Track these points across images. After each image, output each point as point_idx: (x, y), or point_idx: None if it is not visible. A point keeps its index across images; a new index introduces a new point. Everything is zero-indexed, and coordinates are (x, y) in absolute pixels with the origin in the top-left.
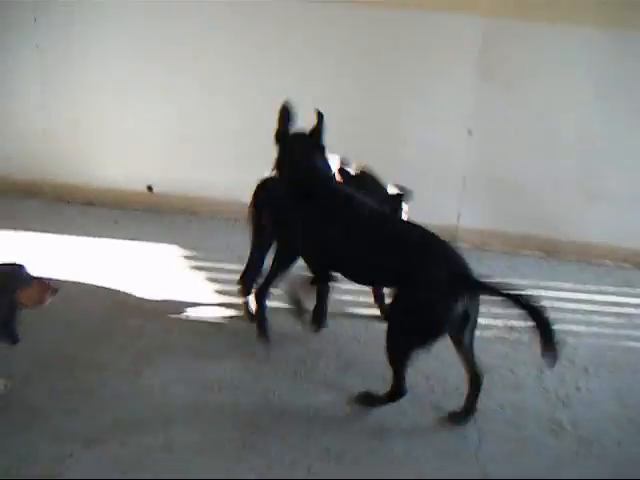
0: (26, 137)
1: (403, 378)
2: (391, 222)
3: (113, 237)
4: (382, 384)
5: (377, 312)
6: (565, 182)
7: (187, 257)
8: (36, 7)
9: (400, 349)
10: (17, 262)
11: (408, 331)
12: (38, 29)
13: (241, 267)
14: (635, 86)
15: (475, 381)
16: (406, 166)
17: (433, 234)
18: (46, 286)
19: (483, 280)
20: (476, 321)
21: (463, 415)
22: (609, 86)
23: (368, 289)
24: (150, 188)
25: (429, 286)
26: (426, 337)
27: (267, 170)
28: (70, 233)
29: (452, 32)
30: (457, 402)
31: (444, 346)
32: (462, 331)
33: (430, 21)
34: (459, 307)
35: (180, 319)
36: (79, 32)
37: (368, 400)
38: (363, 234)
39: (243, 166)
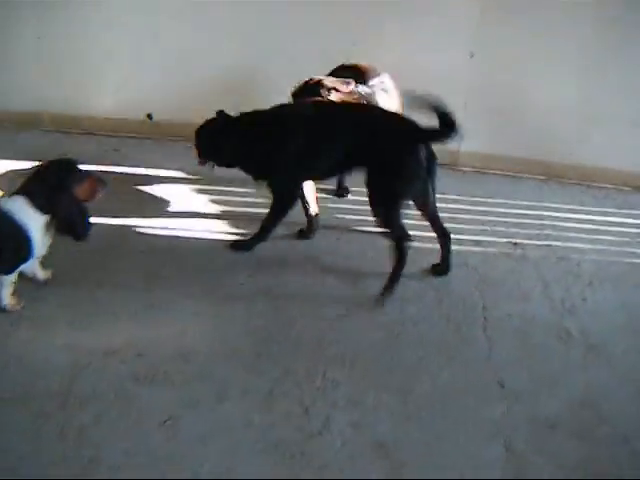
0: (24, 68)
1: (402, 227)
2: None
3: (116, 165)
4: (392, 299)
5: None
6: (565, 107)
7: (192, 181)
8: None
9: (388, 207)
10: (69, 157)
11: (390, 190)
12: None
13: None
14: (635, 13)
15: (445, 241)
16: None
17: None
18: (98, 180)
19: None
20: (435, 174)
21: (443, 269)
22: (609, 11)
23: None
24: (150, 116)
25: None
26: (406, 186)
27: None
28: None
29: None
30: (465, 313)
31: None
32: (427, 189)
33: None
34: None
35: (190, 239)
36: None
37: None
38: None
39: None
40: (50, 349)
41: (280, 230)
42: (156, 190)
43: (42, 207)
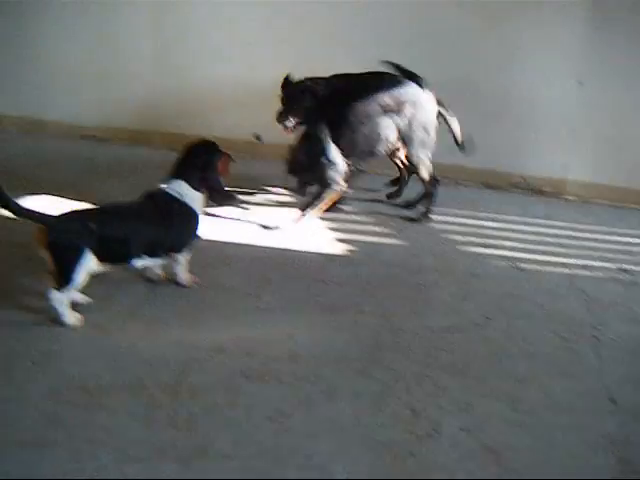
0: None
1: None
2: None
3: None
4: (501, 315)
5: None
6: None
7: None
8: None
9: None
10: (207, 139)
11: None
12: None
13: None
14: None
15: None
16: (515, 119)
17: None
18: (229, 157)
19: None
20: None
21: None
22: None
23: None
24: (258, 138)
25: None
26: None
27: None
28: None
29: None
30: (574, 331)
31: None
32: None
33: None
34: None
35: (301, 251)
36: None
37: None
38: None
39: None
40: (161, 344)
41: (387, 247)
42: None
43: (197, 186)
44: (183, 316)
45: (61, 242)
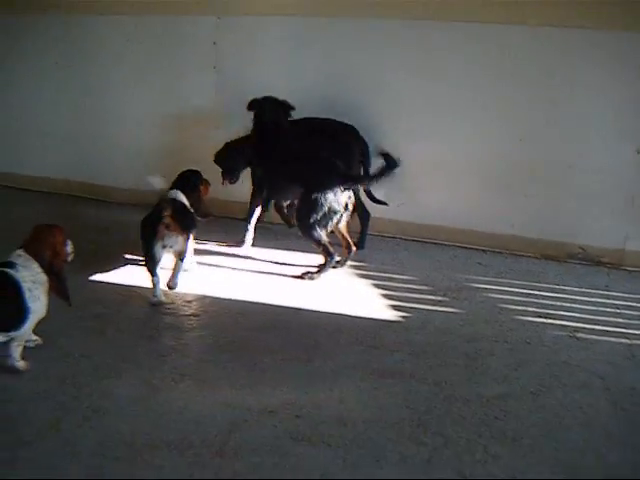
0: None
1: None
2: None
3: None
4: (556, 384)
5: None
6: None
7: (355, 267)
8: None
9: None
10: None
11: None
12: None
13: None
14: None
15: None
16: (573, 189)
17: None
18: (208, 184)
19: None
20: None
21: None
22: None
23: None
24: None
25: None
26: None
27: None
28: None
29: (613, 50)
30: (634, 402)
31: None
32: None
33: (592, 39)
34: None
35: (352, 317)
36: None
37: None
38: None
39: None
40: (210, 404)
41: (441, 314)
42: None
43: (188, 195)
44: (233, 378)
45: None
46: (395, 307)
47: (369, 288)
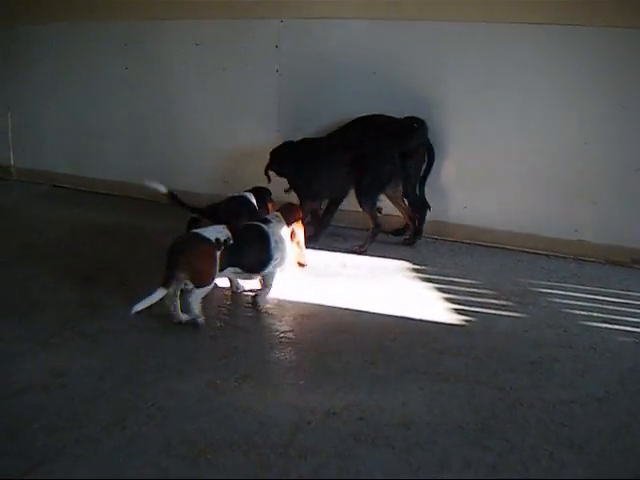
0: None
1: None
2: None
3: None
4: (623, 390)
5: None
6: None
7: (417, 270)
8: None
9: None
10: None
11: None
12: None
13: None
14: None
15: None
16: (636, 190)
17: None
18: (274, 204)
19: None
20: None
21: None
22: None
23: None
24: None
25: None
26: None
27: None
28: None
29: None
30: None
31: None
32: None
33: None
34: None
35: (416, 320)
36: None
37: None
38: None
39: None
40: (273, 405)
41: (505, 319)
42: (384, 275)
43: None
44: (297, 380)
45: None
46: (458, 311)
47: (431, 292)
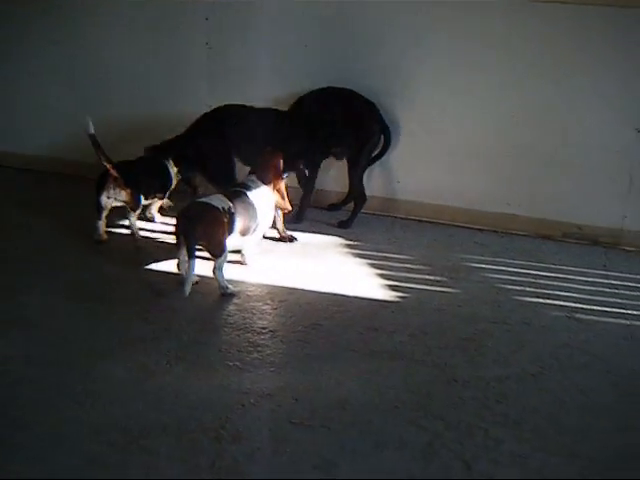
0: None
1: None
2: None
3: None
4: (556, 365)
5: None
6: None
7: (351, 246)
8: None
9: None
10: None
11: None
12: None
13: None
14: None
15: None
16: (570, 167)
17: None
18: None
19: None
20: None
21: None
22: None
23: None
24: None
25: None
26: None
27: None
28: None
29: (618, 26)
30: (636, 384)
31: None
32: None
33: (600, 16)
34: None
35: (350, 297)
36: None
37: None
38: None
39: None
40: (206, 388)
41: (439, 295)
42: (318, 252)
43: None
44: (230, 360)
45: None
46: (392, 287)
47: (365, 268)
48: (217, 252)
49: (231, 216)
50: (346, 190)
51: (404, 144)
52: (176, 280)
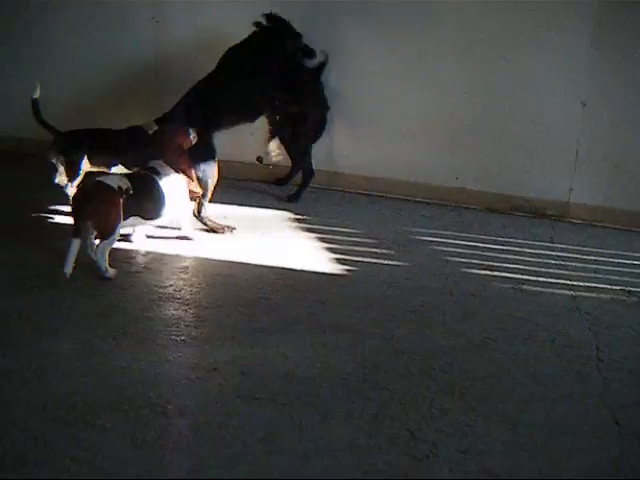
0: None
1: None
2: None
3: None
4: (502, 336)
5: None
6: None
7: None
8: None
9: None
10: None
11: None
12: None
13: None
14: None
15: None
16: (517, 141)
17: None
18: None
19: None
20: None
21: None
22: None
23: None
24: (260, 159)
25: None
26: None
27: None
28: None
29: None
30: (578, 353)
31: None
32: None
33: None
34: None
35: (299, 271)
36: None
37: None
38: None
39: None
40: (153, 363)
41: (386, 267)
42: (266, 226)
43: None
44: (178, 336)
45: None
46: (340, 261)
47: (313, 242)
48: (105, 233)
49: (129, 197)
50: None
51: (352, 117)
52: (124, 256)
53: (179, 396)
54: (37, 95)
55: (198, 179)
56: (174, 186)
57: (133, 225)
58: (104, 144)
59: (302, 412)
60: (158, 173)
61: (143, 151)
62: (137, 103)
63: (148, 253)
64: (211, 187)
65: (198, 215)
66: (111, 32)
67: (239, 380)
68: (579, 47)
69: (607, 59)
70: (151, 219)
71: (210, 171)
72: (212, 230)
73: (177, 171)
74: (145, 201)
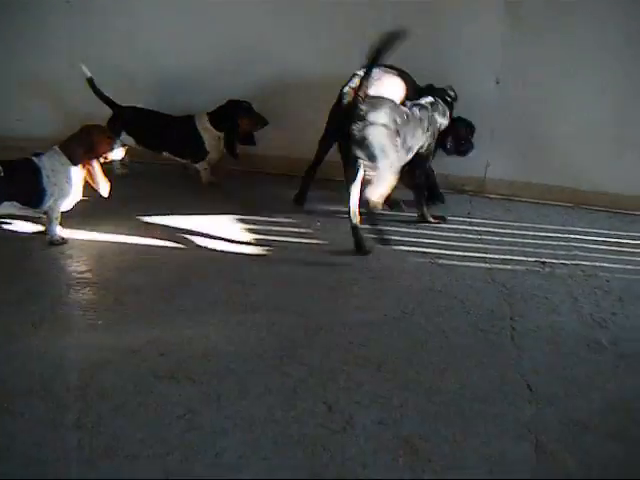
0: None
1: None
2: None
3: None
4: (419, 309)
5: None
6: (594, 133)
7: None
8: None
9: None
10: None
11: None
12: None
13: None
14: None
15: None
16: None
17: None
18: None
19: None
20: None
21: None
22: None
23: None
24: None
25: None
26: None
27: None
28: None
29: None
30: (493, 323)
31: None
32: None
33: None
34: None
35: (218, 252)
36: None
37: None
38: None
39: None
40: (72, 347)
41: (306, 246)
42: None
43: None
44: (96, 320)
45: None
46: (258, 241)
47: (233, 223)
48: None
49: (1, 181)
50: None
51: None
52: (41, 241)
53: (98, 379)
54: (89, 74)
55: None
56: (65, 176)
57: (9, 211)
58: None
59: (220, 389)
60: (40, 157)
61: None
62: None
63: (65, 239)
64: None
65: None
66: None
67: (158, 361)
68: (492, 25)
69: (519, 36)
70: (29, 206)
71: None
72: None
73: (75, 163)
74: (21, 187)
